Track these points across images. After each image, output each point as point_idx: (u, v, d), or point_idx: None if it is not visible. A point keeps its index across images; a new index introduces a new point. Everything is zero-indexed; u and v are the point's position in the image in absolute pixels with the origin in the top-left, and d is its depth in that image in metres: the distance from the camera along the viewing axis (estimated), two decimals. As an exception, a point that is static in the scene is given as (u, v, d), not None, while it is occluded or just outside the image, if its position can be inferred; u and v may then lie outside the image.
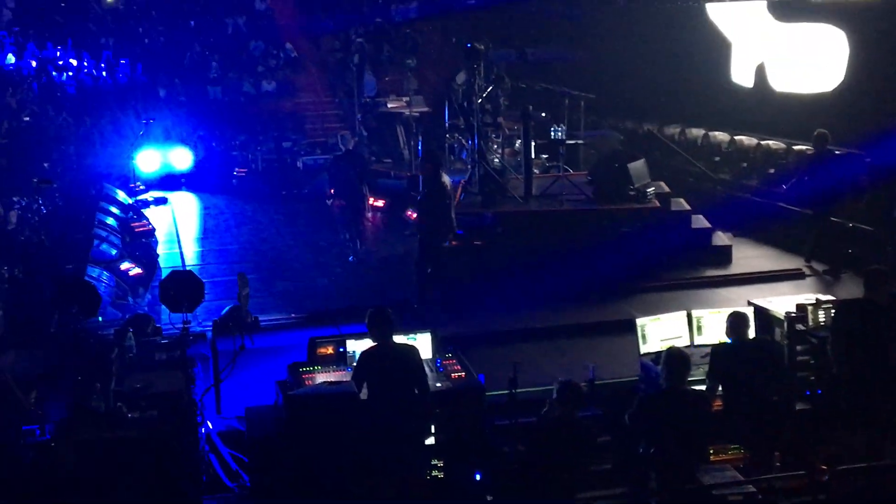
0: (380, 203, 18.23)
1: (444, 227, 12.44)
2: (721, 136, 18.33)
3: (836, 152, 13.80)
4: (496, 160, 15.22)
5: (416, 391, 7.95)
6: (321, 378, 8.59)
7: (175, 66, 24.14)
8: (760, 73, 17.62)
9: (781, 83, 17.14)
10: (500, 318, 12.32)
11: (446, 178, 12.65)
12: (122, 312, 12.09)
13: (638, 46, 20.38)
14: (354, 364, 8.25)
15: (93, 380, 7.40)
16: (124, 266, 13.57)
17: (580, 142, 16.14)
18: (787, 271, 13.80)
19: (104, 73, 23.19)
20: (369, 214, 16.85)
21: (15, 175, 16.73)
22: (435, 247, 12.47)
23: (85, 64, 23.31)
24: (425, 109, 19.42)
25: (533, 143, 14.80)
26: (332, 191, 15.31)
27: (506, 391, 8.70)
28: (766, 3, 17.26)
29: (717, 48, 18.68)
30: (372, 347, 8.08)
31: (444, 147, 16.95)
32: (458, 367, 8.90)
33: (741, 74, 18.17)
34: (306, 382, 8.53)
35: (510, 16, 23.99)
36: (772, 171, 16.43)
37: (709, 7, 18.92)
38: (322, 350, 8.97)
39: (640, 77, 20.00)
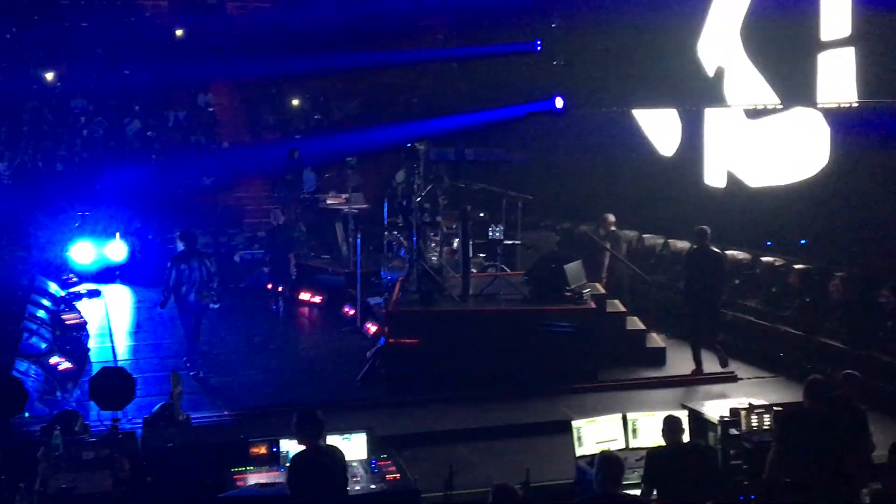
0: (317, 299, 18.18)
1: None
2: (655, 239, 18.48)
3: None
4: (434, 258, 15.29)
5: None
6: (253, 479, 8.44)
7: (113, 156, 24.03)
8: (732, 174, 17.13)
9: (757, 179, 16.59)
10: (436, 417, 12.27)
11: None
12: (49, 408, 11.79)
13: (576, 149, 20.73)
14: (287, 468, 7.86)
15: (16, 479, 7.20)
16: (54, 360, 13.31)
17: (518, 242, 16.27)
18: (721, 374, 13.94)
19: (40, 164, 23.00)
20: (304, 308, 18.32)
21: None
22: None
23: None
24: (364, 206, 19.50)
25: (471, 243, 14.90)
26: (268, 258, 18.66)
27: (441, 493, 8.60)
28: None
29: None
30: (303, 451, 7.61)
31: (382, 245, 17.02)
32: (394, 468, 8.81)
33: (713, 176, 17.65)
34: (238, 483, 8.37)
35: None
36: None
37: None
38: (255, 450, 8.82)
39: (578, 179, 20.32)
